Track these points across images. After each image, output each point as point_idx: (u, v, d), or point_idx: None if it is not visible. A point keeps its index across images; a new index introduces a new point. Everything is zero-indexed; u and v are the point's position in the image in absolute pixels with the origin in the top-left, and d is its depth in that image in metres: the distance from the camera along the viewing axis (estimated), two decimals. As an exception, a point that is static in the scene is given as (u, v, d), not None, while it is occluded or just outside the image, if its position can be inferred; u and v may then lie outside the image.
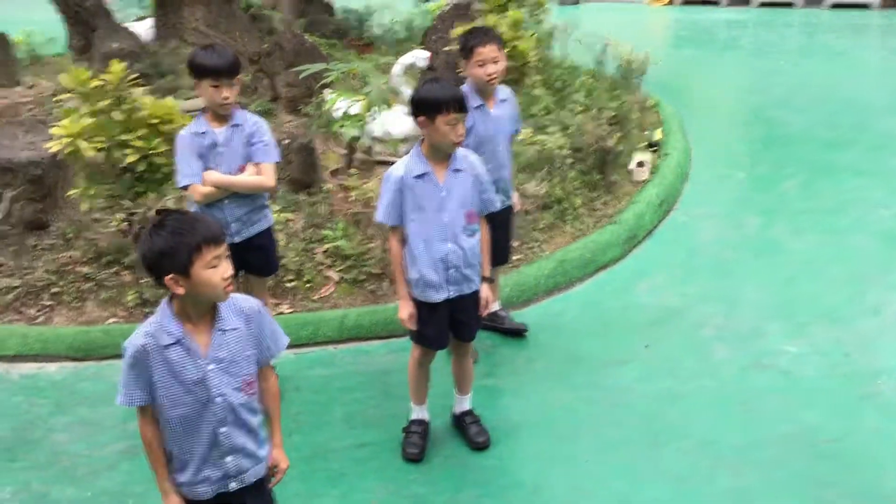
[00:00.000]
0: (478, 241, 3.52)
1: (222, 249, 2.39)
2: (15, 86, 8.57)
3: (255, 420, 2.58)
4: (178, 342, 2.41)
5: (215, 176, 3.77)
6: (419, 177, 3.38)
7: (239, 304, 2.53)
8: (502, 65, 4.02)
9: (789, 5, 15.13)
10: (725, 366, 4.36)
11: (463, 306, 3.57)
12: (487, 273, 3.63)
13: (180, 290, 2.35)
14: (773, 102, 8.85)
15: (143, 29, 8.85)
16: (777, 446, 3.73)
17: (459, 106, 3.28)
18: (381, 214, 3.47)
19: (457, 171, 3.42)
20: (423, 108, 3.31)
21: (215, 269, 2.35)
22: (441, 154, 3.40)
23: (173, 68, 7.37)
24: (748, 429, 3.86)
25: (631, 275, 5.38)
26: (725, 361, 4.40)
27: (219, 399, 2.46)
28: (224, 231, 2.46)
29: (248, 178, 3.83)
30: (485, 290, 3.61)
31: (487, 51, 3.94)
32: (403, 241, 3.49)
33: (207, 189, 3.75)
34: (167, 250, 2.32)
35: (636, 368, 4.37)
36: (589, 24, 9.21)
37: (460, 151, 3.44)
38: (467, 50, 3.98)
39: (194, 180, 3.74)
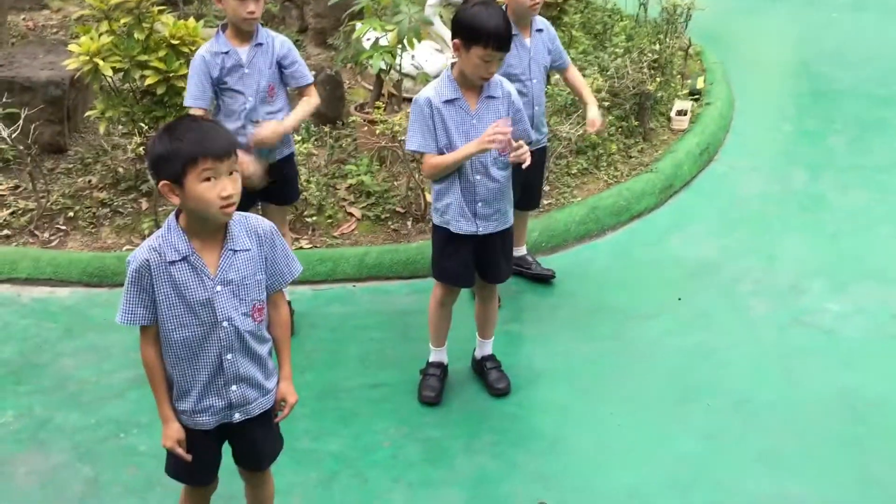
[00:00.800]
0: (508, 174, 3.29)
1: (224, 165, 2.19)
2: (42, 9, 8.41)
3: (263, 349, 2.43)
4: (184, 259, 2.25)
5: (290, 122, 3.68)
6: (449, 102, 3.16)
7: (252, 225, 2.37)
8: (545, -10, 3.77)
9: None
10: (763, 322, 4.14)
11: (493, 246, 3.37)
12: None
13: (174, 199, 2.21)
14: (823, 56, 8.43)
15: (173, -45, 8.61)
16: (816, 408, 3.54)
17: (500, 44, 3.04)
18: (411, 142, 3.24)
19: (490, 97, 3.20)
20: (462, 31, 3.07)
21: (210, 184, 2.17)
22: (472, 81, 3.17)
23: (200, -6, 7.15)
24: (785, 388, 3.66)
25: (666, 225, 5.14)
26: (763, 318, 4.18)
27: (225, 323, 2.30)
28: (233, 145, 2.26)
29: (306, 108, 3.75)
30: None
31: None
32: None
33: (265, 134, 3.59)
34: (164, 155, 2.18)
35: (667, 321, 4.16)
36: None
37: (495, 77, 3.21)
38: None
39: (199, 104, 3.60)
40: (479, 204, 3.24)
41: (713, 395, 3.62)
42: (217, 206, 2.19)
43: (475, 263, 3.42)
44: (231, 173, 2.21)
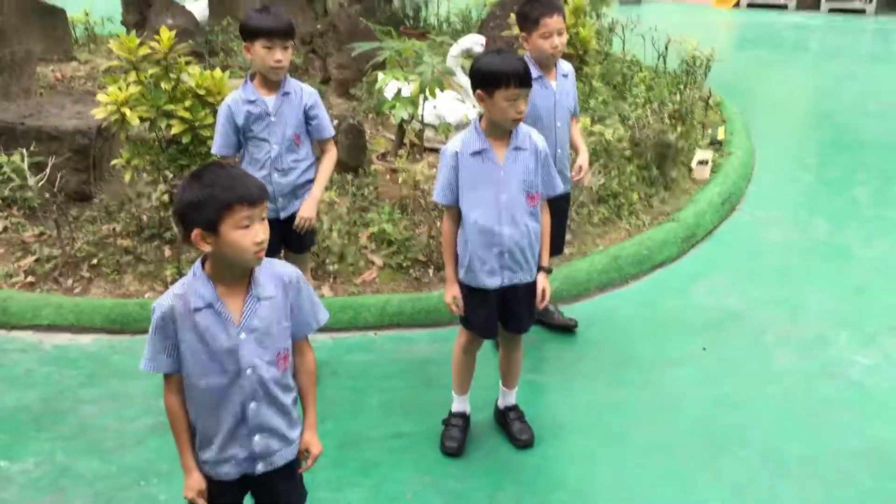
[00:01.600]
0: (538, 227, 3.29)
1: (257, 211, 2.20)
2: (70, 61, 8.60)
3: (287, 398, 2.40)
4: (209, 306, 2.24)
5: (320, 190, 3.75)
6: (476, 153, 3.16)
7: (277, 271, 2.35)
8: (565, 37, 3.81)
9: (861, 12, 14.60)
10: (790, 373, 4.08)
11: (516, 297, 3.34)
12: (546, 263, 3.39)
13: (206, 247, 2.18)
14: (843, 107, 8.46)
15: (199, 10, 8.81)
16: (846, 461, 3.45)
17: (521, 80, 3.05)
18: (436, 193, 3.26)
19: (517, 149, 3.19)
20: (482, 80, 3.09)
21: (246, 231, 2.17)
22: (500, 130, 3.17)
23: (225, 46, 7.28)
24: (815, 440, 3.58)
25: (689, 274, 5.11)
26: (790, 368, 4.12)
27: (249, 371, 2.28)
28: (264, 191, 2.27)
29: (328, 168, 3.80)
30: (542, 281, 3.37)
31: (554, 21, 3.73)
32: (458, 221, 3.28)
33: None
34: (196, 202, 2.15)
35: (692, 371, 4.11)
36: (651, 23, 8.91)
37: (523, 128, 3.21)
38: (532, 21, 3.76)
39: (224, 152, 3.67)
40: (506, 256, 3.22)
41: (741, 446, 3.55)
42: (252, 251, 2.19)
43: (498, 313, 3.40)
44: (262, 219, 2.22)
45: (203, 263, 2.28)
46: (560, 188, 3.38)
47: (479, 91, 3.11)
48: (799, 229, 5.74)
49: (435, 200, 3.31)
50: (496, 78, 3.03)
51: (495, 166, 3.16)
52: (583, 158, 4.07)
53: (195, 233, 2.17)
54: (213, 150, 3.72)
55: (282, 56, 3.51)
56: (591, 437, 3.64)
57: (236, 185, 2.18)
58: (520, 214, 3.20)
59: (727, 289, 4.91)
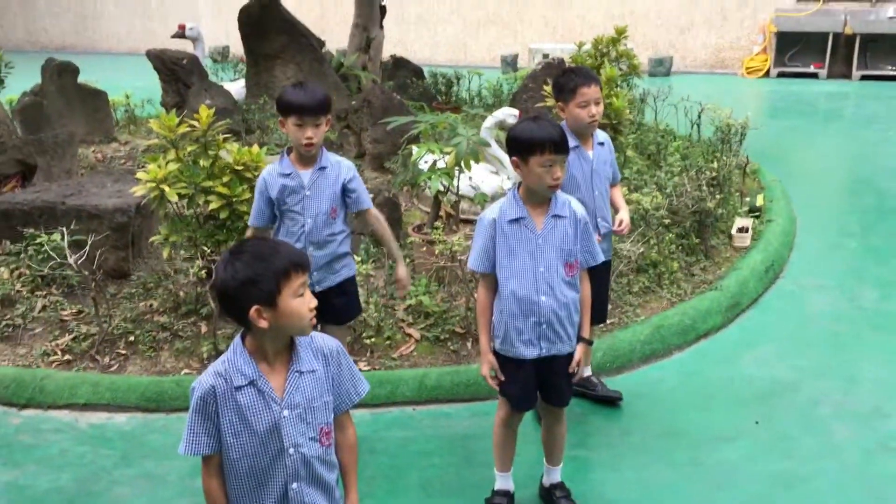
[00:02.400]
0: (577, 297, 3.20)
1: (306, 277, 2.19)
2: (111, 142, 8.79)
3: (331, 476, 2.32)
4: (251, 384, 2.18)
5: (399, 252, 3.95)
6: (514, 221, 3.12)
7: (317, 344, 2.30)
8: (602, 107, 3.80)
9: (894, 78, 14.56)
10: (848, 447, 3.89)
11: (555, 368, 3.24)
12: (586, 333, 3.30)
13: (263, 324, 2.12)
14: (883, 173, 8.32)
15: (236, 89, 8.99)
16: (917, 542, 3.25)
17: (556, 146, 3.02)
18: (472, 260, 3.21)
19: (556, 217, 3.13)
20: (517, 147, 3.07)
21: (302, 299, 2.15)
22: (538, 198, 3.12)
23: (261, 124, 7.39)
24: (881, 520, 3.39)
25: (735, 344, 4.95)
26: (847, 442, 3.93)
27: (291, 450, 2.21)
28: (307, 257, 2.25)
29: (390, 235, 3.94)
30: (580, 352, 3.27)
31: (591, 91, 3.72)
32: (494, 290, 3.21)
33: None
34: (252, 279, 2.11)
35: (745, 446, 3.93)
36: (682, 93, 8.93)
37: (562, 196, 3.16)
38: (568, 90, 3.75)
39: (257, 223, 3.72)
40: (543, 326, 3.13)
41: (802, 528, 3.37)
42: (307, 318, 2.17)
43: (537, 385, 3.29)
44: (307, 286, 2.21)
45: (243, 339, 2.23)
46: (601, 257, 3.30)
47: (514, 158, 3.09)
48: (846, 297, 5.57)
49: (470, 268, 3.26)
50: (531, 144, 3.01)
51: (533, 234, 3.11)
52: (623, 214, 4.01)
53: (253, 311, 2.12)
54: (250, 222, 3.76)
55: (312, 133, 3.51)
56: (641, 516, 3.48)
57: (285, 253, 2.18)
58: (557, 284, 3.12)
59: (776, 359, 4.75)
